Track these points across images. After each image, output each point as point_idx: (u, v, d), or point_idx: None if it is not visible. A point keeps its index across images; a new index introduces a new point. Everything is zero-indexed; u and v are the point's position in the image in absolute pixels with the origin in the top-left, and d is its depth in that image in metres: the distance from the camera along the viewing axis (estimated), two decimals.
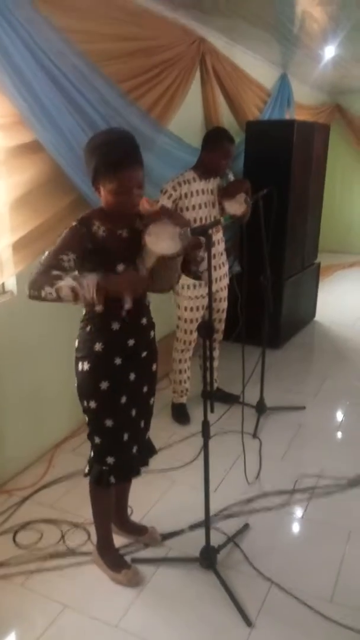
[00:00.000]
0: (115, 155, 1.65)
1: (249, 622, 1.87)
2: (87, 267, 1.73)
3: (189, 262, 1.84)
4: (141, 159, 1.70)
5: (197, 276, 1.92)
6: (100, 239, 1.73)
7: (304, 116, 5.96)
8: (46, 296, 1.59)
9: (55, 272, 1.61)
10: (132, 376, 1.90)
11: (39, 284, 1.60)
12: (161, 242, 1.65)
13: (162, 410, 3.28)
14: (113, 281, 1.58)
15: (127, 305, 1.56)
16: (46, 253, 1.69)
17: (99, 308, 1.72)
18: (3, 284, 2.58)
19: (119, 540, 2.21)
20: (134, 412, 1.95)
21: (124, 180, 1.66)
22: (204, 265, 1.89)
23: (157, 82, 3.19)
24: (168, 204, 2.85)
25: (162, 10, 3.25)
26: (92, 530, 2.17)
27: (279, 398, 3.49)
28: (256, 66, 4.76)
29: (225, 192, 2.97)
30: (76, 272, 1.69)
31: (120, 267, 1.75)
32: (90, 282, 1.53)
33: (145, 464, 2.11)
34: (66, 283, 1.55)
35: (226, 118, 4.28)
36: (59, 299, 1.58)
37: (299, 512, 2.47)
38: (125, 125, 2.80)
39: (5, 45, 2.10)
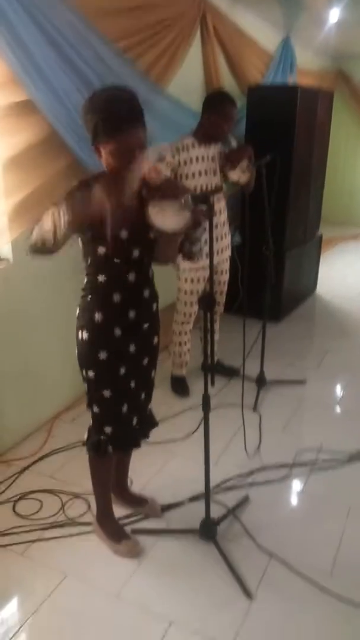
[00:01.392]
0: (116, 113, 1.57)
1: (248, 594, 1.88)
2: (90, 234, 1.67)
3: (184, 239, 1.78)
4: (143, 120, 1.62)
5: (190, 256, 1.86)
6: None
7: (306, 82, 5.78)
8: (36, 242, 1.52)
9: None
10: (132, 348, 1.86)
11: (34, 234, 1.53)
12: (165, 218, 1.60)
13: (162, 383, 3.26)
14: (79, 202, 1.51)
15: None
16: None
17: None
18: None
19: (119, 510, 2.20)
20: (133, 384, 1.92)
21: (125, 141, 1.58)
22: (198, 246, 1.83)
23: (156, 41, 3.06)
24: (166, 172, 2.76)
25: None
26: (92, 500, 2.16)
27: (279, 372, 3.46)
28: (258, 28, 4.58)
29: (228, 160, 2.87)
30: None
31: (124, 234, 1.69)
32: (60, 209, 1.48)
33: (146, 436, 2.10)
34: (45, 217, 1.49)
35: (227, 81, 4.13)
36: (43, 246, 1.51)
37: (299, 485, 2.47)
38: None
39: None
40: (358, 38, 5.62)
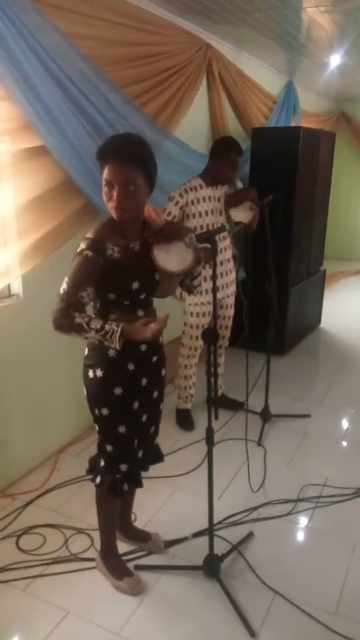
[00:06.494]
0: (104, 146, 1.64)
1: (252, 633, 1.85)
2: (102, 288, 1.72)
3: (184, 276, 1.84)
4: (136, 162, 1.62)
5: (189, 290, 1.93)
6: (115, 261, 1.70)
7: (309, 124, 5.96)
8: (73, 336, 1.66)
9: (78, 319, 1.63)
10: (144, 381, 1.89)
11: (63, 326, 1.65)
12: (170, 259, 1.66)
13: (167, 416, 3.27)
14: (134, 333, 1.62)
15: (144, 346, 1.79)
16: (64, 284, 1.67)
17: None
18: (9, 287, 2.58)
19: (122, 546, 2.19)
20: (144, 418, 1.95)
21: (105, 173, 1.63)
22: (198, 280, 1.89)
23: (164, 87, 3.21)
24: (175, 211, 2.86)
25: (169, 17, 3.28)
26: (96, 535, 2.15)
27: (284, 405, 3.47)
28: (262, 73, 4.79)
29: (231, 201, 2.97)
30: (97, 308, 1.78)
31: (136, 285, 1.74)
32: (114, 337, 1.60)
33: (146, 469, 2.08)
34: (93, 336, 1.63)
35: (232, 124, 4.30)
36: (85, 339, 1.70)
37: (303, 521, 2.45)
38: (131, 130, 2.82)
39: (12, 50, 2.11)
40: (359, 81, 5.82)
